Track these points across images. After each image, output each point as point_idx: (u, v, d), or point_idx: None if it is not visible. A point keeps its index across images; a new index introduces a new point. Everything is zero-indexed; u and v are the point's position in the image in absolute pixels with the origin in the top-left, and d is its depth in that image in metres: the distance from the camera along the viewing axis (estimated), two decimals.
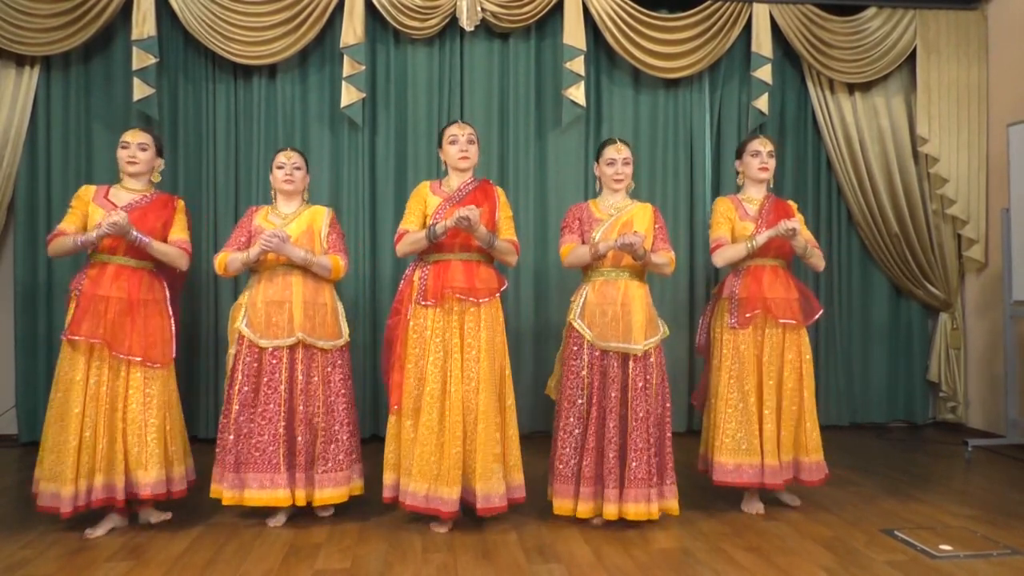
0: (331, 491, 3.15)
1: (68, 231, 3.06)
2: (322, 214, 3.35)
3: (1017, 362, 4.72)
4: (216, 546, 2.93)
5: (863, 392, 5.38)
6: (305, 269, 3.20)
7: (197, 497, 3.31)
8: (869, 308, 5.40)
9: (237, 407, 3.14)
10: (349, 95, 4.72)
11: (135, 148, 3.15)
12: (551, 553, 2.85)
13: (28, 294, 4.70)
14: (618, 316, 3.12)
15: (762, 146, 3.44)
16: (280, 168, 3.28)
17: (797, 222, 3.24)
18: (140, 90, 4.57)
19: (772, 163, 3.46)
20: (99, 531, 3.02)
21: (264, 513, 3.23)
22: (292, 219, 3.28)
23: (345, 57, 4.70)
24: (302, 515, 3.25)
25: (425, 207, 3.22)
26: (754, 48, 5.02)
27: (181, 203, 3.28)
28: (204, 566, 2.72)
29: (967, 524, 3.17)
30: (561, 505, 3.14)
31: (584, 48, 4.83)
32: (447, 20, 4.84)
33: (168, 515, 3.09)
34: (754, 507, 3.36)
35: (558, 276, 4.99)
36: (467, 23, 4.77)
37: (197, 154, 4.85)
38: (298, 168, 3.30)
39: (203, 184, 4.83)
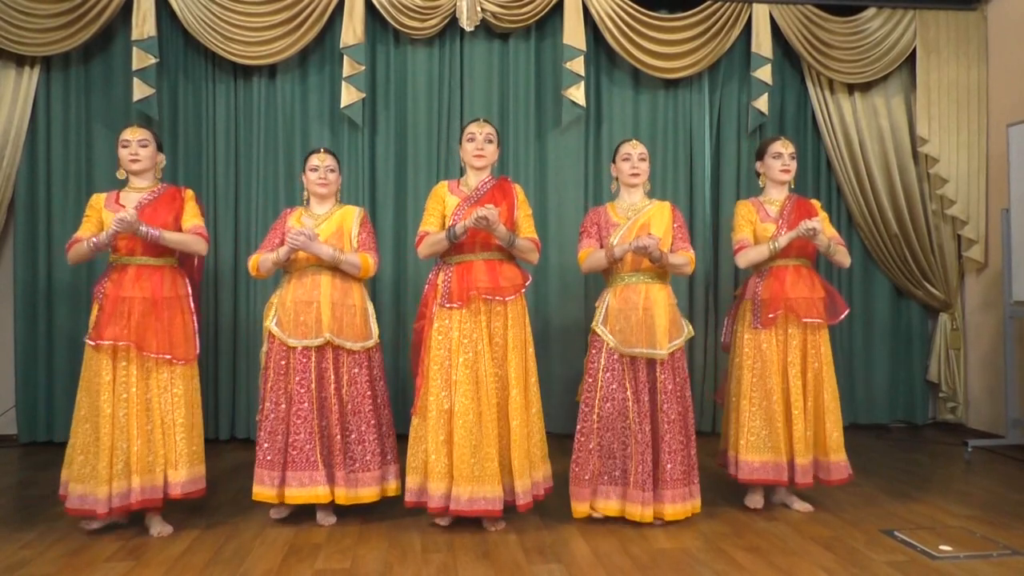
0: (360, 491, 3.15)
1: (84, 237, 3.07)
2: (353, 213, 3.34)
3: (1017, 362, 4.72)
4: (216, 546, 2.93)
5: (864, 392, 5.38)
6: (335, 269, 3.20)
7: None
8: (870, 309, 5.40)
9: (270, 405, 3.16)
10: (349, 95, 4.72)
11: (136, 145, 3.14)
12: (551, 553, 2.86)
13: (28, 294, 4.70)
14: (641, 321, 3.12)
15: (784, 148, 3.44)
16: (314, 171, 3.28)
17: (818, 221, 3.22)
18: (140, 90, 4.57)
19: (794, 165, 3.46)
20: (95, 524, 3.03)
21: (266, 511, 3.24)
22: (324, 220, 3.28)
23: (345, 57, 4.70)
24: (303, 515, 3.25)
25: (444, 207, 3.21)
26: (754, 48, 5.02)
27: (190, 192, 3.27)
28: (204, 566, 2.72)
29: (967, 524, 3.17)
30: (579, 508, 3.14)
31: (584, 48, 4.83)
32: (447, 20, 4.84)
33: (170, 529, 3.08)
34: (754, 501, 3.37)
35: (558, 277, 4.99)
36: (467, 23, 4.76)
37: (197, 154, 4.85)
38: (332, 171, 3.31)
39: (203, 184, 4.82)
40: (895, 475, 4.05)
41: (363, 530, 3.13)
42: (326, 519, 3.21)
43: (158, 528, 3.06)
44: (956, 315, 5.30)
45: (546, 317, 5.02)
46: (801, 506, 3.39)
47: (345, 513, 3.27)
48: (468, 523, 3.15)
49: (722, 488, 3.55)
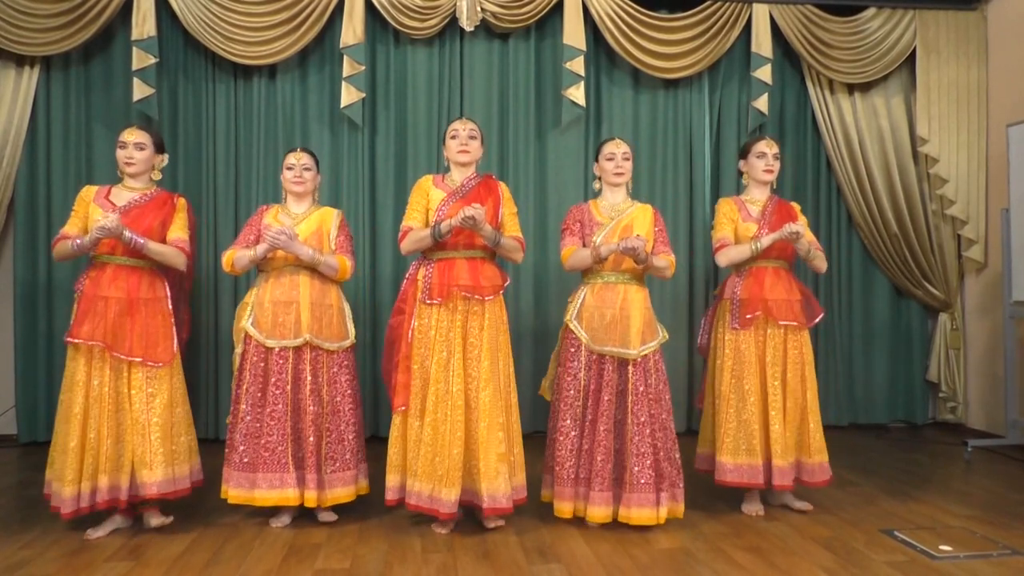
0: (340, 491, 3.16)
1: (70, 234, 3.06)
2: (331, 215, 3.34)
3: (1017, 362, 4.72)
4: (216, 546, 2.93)
5: (863, 392, 5.37)
6: (312, 269, 3.19)
7: (196, 497, 3.30)
8: (869, 309, 5.40)
9: (245, 407, 3.14)
10: (349, 95, 4.72)
11: (132, 148, 3.13)
12: (551, 553, 2.86)
13: (28, 294, 4.69)
14: (616, 320, 3.12)
15: (768, 148, 3.44)
16: (290, 169, 3.29)
17: (801, 225, 3.24)
18: (140, 90, 4.57)
19: (777, 165, 3.46)
20: (100, 532, 3.02)
21: (267, 513, 3.23)
22: (302, 219, 3.27)
23: (345, 57, 4.70)
24: (303, 515, 3.25)
25: (428, 202, 3.20)
26: (754, 48, 5.02)
27: (182, 201, 3.25)
28: (204, 566, 2.72)
29: (967, 524, 3.17)
30: (562, 507, 3.12)
31: (584, 48, 4.83)
32: (447, 20, 4.84)
33: (169, 519, 3.08)
34: (754, 508, 3.35)
35: (557, 276, 4.99)
36: (467, 23, 4.76)
37: (197, 154, 4.85)
38: (308, 169, 3.30)
39: (203, 184, 4.83)
40: (895, 475, 4.05)
41: (363, 530, 3.13)
42: (327, 517, 3.21)
43: (157, 520, 3.06)
44: (956, 315, 5.30)
45: (544, 316, 5.01)
46: (802, 505, 3.38)
47: (345, 513, 3.26)
48: (468, 523, 3.15)
49: (721, 488, 3.55)
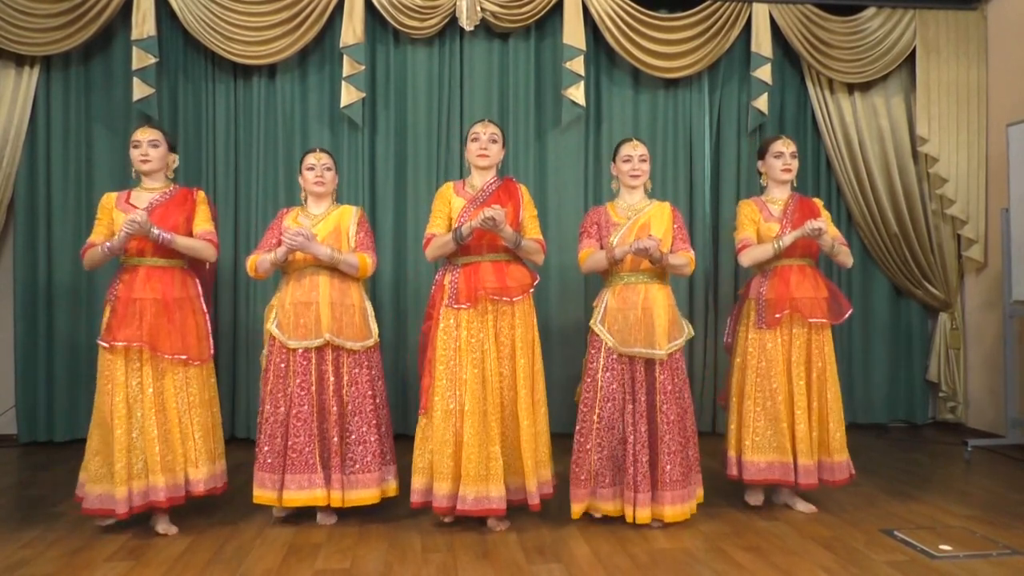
0: (360, 492, 3.16)
1: (97, 242, 3.07)
2: (350, 213, 3.34)
3: (1017, 362, 4.72)
4: (216, 546, 2.93)
5: (863, 392, 5.37)
6: (333, 269, 3.20)
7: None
8: (869, 308, 5.39)
9: (270, 408, 3.16)
10: (349, 95, 4.72)
11: (146, 146, 3.14)
12: (551, 553, 2.86)
13: (28, 294, 4.70)
14: (640, 320, 3.11)
15: (785, 147, 3.43)
16: (311, 170, 3.28)
17: (823, 221, 3.22)
18: (140, 90, 4.57)
19: (795, 164, 3.45)
20: (110, 520, 3.03)
21: (266, 512, 3.24)
22: (320, 220, 3.28)
23: (345, 57, 4.70)
24: (303, 515, 3.25)
25: (450, 208, 3.21)
26: (754, 48, 5.02)
27: (202, 194, 3.27)
28: (204, 566, 2.72)
29: (967, 524, 3.17)
30: (576, 508, 3.13)
31: (584, 48, 4.82)
32: (447, 20, 4.84)
33: (175, 530, 3.08)
34: (755, 498, 3.37)
35: (558, 277, 4.99)
36: (467, 23, 4.76)
37: (197, 154, 4.85)
38: (328, 169, 3.31)
39: (203, 184, 4.81)
40: (895, 475, 4.05)
41: (363, 530, 3.13)
42: (326, 519, 3.21)
43: (164, 527, 3.06)
44: (956, 315, 5.30)
45: (546, 317, 5.01)
46: (805, 507, 3.37)
47: (345, 513, 3.26)
48: (468, 523, 3.15)
49: (722, 488, 3.55)
